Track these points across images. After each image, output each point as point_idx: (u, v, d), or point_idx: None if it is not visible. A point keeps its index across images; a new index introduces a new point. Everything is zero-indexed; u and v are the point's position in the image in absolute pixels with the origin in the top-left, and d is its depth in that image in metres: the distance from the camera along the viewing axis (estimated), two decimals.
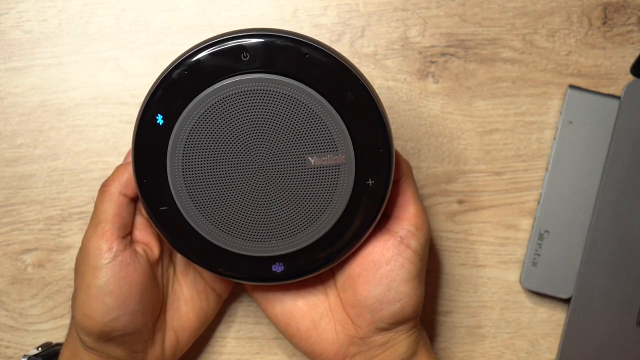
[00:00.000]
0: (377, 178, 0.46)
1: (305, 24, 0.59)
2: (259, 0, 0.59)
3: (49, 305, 0.59)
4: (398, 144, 0.59)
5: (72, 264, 0.59)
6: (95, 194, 0.58)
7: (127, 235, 0.49)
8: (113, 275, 0.47)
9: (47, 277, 0.59)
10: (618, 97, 0.58)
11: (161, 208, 0.47)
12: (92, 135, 0.59)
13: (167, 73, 0.45)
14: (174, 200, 0.46)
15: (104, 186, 0.49)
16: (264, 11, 0.59)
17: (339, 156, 0.46)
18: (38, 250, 0.59)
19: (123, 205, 0.49)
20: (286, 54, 0.44)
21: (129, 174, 0.49)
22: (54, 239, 0.59)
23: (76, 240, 0.59)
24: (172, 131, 0.45)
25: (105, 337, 0.48)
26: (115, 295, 0.47)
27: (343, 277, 0.50)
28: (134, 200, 0.49)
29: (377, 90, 0.58)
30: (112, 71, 0.59)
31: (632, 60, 0.59)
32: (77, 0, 0.59)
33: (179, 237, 0.47)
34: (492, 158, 0.59)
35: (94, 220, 0.49)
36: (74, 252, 0.59)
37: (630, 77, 0.59)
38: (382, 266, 0.48)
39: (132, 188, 0.49)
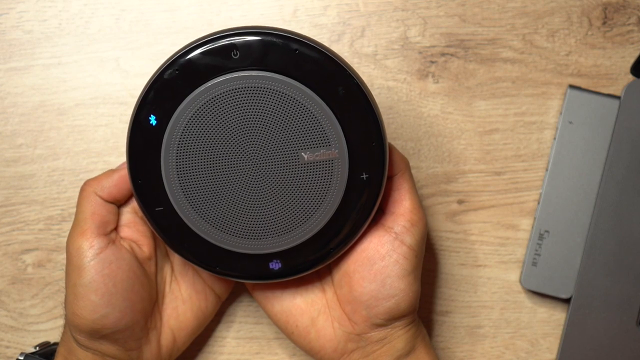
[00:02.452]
0: (371, 172, 0.46)
1: (305, 24, 0.59)
2: (259, 0, 0.59)
3: (49, 305, 0.59)
4: (398, 143, 0.59)
5: None
6: None
7: (109, 232, 0.49)
8: (97, 273, 0.48)
9: (47, 277, 0.59)
10: (618, 97, 0.58)
11: (157, 209, 0.47)
12: (92, 135, 0.59)
13: (159, 74, 0.45)
14: (170, 201, 0.46)
15: (84, 185, 0.49)
16: (264, 11, 0.59)
17: (332, 151, 0.46)
18: (38, 250, 0.59)
19: (99, 204, 0.49)
20: (276, 51, 0.44)
21: (111, 180, 0.49)
22: (54, 239, 0.59)
23: None
24: (165, 131, 0.45)
25: (97, 334, 0.49)
26: (101, 292, 0.48)
27: (339, 274, 0.50)
28: (110, 202, 0.49)
29: (377, 90, 0.58)
30: (112, 71, 0.59)
31: (632, 60, 0.59)
32: (77, 0, 0.59)
33: (176, 237, 0.47)
34: (492, 158, 0.59)
35: (74, 220, 0.49)
36: None
37: (630, 77, 0.59)
38: (377, 262, 0.48)
39: (108, 192, 0.49)
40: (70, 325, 0.49)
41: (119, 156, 0.59)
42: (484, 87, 0.59)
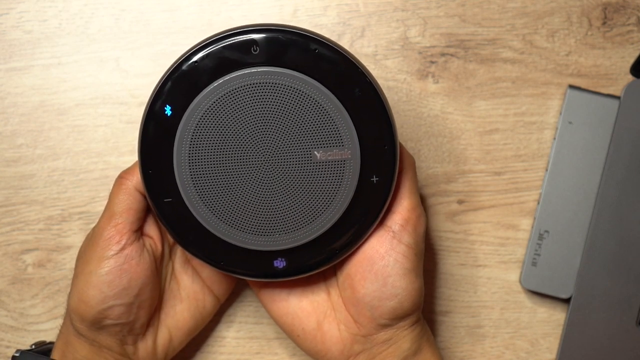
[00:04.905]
0: (381, 175, 0.47)
1: (305, 24, 0.59)
2: (259, 0, 0.59)
3: (49, 305, 0.59)
4: None
5: (73, 264, 0.59)
6: (96, 194, 0.58)
7: (138, 229, 0.49)
8: (116, 266, 0.48)
9: (47, 277, 0.59)
10: (618, 97, 0.58)
11: (165, 200, 0.47)
12: (92, 135, 0.59)
13: (178, 64, 0.45)
14: (179, 192, 0.46)
15: (121, 178, 0.49)
16: (264, 11, 0.59)
17: (345, 151, 0.46)
18: (38, 250, 0.59)
19: (137, 199, 0.49)
20: (296, 49, 0.45)
21: None
22: (54, 239, 0.59)
23: (76, 240, 0.59)
24: (180, 122, 0.45)
25: (98, 324, 0.49)
26: (114, 285, 0.48)
27: (343, 275, 0.50)
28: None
29: None
30: (112, 71, 0.59)
31: (631, 60, 0.59)
32: (77, 0, 0.59)
33: (182, 229, 0.47)
34: (492, 158, 0.59)
35: (109, 211, 0.49)
36: (74, 252, 0.59)
37: (630, 77, 0.59)
38: (377, 262, 0.48)
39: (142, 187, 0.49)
40: (72, 312, 0.49)
41: (119, 156, 0.59)
42: (484, 87, 0.59)
